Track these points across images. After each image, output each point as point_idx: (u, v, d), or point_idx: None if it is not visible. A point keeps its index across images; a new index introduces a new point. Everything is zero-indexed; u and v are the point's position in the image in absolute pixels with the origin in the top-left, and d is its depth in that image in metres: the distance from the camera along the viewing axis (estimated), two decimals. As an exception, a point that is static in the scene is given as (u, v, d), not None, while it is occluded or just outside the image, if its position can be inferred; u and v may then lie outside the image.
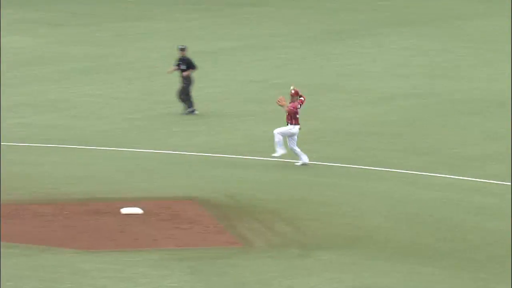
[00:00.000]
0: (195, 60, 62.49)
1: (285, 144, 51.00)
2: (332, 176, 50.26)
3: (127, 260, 39.59)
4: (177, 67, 61.99)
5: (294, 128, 50.94)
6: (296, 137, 51.28)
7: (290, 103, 50.87)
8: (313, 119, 60.20)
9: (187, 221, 43.76)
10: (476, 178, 50.04)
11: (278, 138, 51.30)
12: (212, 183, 48.48)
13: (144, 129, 59.02)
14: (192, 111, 61.00)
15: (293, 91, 50.32)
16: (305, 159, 51.10)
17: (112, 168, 51.02)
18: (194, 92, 63.79)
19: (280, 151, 51.37)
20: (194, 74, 62.27)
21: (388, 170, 51.00)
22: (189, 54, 62.71)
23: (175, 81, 64.41)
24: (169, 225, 43.43)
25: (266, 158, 52.55)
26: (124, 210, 44.31)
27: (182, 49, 62.18)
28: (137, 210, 44.37)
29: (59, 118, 60.48)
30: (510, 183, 48.62)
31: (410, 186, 48.85)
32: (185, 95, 61.22)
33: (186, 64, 61.61)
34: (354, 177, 49.92)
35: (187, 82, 61.37)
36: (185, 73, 61.37)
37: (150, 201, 45.85)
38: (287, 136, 50.62)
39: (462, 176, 50.00)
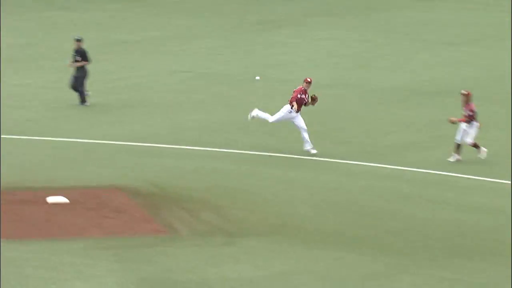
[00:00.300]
0: (123, 49, 62.49)
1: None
2: (255, 164, 50.45)
3: (53, 249, 39.50)
4: (73, 60, 61.35)
5: (292, 114, 51.27)
6: (298, 120, 51.48)
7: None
8: (238, 109, 60.41)
9: (114, 210, 43.65)
10: (396, 166, 50.43)
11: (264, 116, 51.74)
12: (138, 172, 48.54)
13: (69, 118, 58.92)
14: (83, 102, 60.39)
15: (309, 79, 51.39)
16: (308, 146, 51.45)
17: (38, 158, 50.84)
18: (121, 81, 64.08)
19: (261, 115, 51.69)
20: (116, 62, 62.25)
21: (311, 159, 51.25)
22: (114, 43, 62.60)
23: (99, 71, 64.64)
24: (95, 214, 43.26)
25: (191, 147, 52.57)
26: (50, 199, 44.09)
27: (78, 40, 61.50)
28: (63, 199, 44.23)
29: (-18, 107, 60.25)
30: (427, 170, 49.14)
31: (332, 175, 49.23)
32: (79, 86, 60.53)
33: (80, 56, 61.02)
34: (276, 166, 50.17)
35: (80, 73, 60.75)
36: (75, 64, 60.59)
37: (76, 190, 45.73)
38: (286, 120, 51.46)
39: (383, 164, 50.37)
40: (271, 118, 50.86)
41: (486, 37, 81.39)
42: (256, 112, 51.34)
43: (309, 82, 50.40)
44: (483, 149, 51.32)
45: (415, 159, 51.47)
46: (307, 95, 50.50)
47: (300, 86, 50.36)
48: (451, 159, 50.81)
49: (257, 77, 40.15)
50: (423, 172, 49.50)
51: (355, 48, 78.89)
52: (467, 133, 51.03)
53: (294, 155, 51.70)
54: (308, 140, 50.59)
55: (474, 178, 48.59)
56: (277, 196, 45.77)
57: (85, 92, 60.33)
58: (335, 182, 47.89)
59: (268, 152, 51.89)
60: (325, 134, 53.98)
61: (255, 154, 51.81)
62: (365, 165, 50.61)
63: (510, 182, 47.73)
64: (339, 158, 51.44)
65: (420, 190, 47.07)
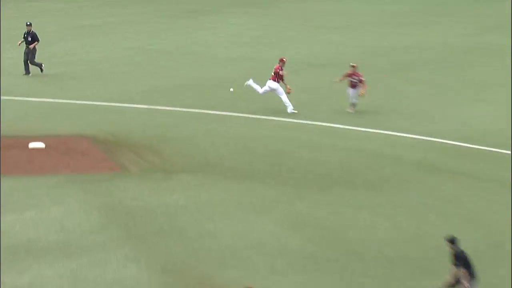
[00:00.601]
0: (85, 31, 62.28)
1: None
2: (190, 119, 50.39)
3: (34, 182, 39.90)
4: (24, 40, 60.44)
5: (273, 84, 50.59)
6: (279, 90, 50.72)
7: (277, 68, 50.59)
8: (177, 76, 60.51)
9: (80, 153, 43.84)
10: (296, 120, 50.10)
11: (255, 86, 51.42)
12: (98, 125, 48.21)
13: (46, 83, 58.56)
14: (28, 74, 59.16)
15: (285, 59, 50.56)
16: (290, 108, 50.74)
17: (20, 113, 50.62)
18: (84, 55, 64.35)
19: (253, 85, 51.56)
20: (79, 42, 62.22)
21: (231, 115, 51.17)
22: (78, 27, 62.41)
23: (66, 48, 64.79)
24: (65, 156, 43.43)
25: (137, 105, 52.45)
26: (31, 145, 44.32)
27: (29, 25, 60.35)
28: (41, 145, 44.45)
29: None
30: (320, 123, 49.19)
31: (248, 127, 49.11)
32: (31, 61, 59.38)
33: (31, 37, 60.21)
34: (207, 121, 49.93)
35: (32, 52, 60.03)
36: (31, 45, 59.72)
37: (51, 138, 45.58)
38: (271, 91, 50.23)
39: (292, 119, 50.08)
40: (260, 90, 50.23)
41: (366, 24, 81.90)
42: (250, 82, 50.38)
43: (284, 61, 49.65)
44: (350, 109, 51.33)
45: (312, 115, 50.79)
46: (283, 70, 49.17)
47: (277, 64, 49.70)
48: (350, 110, 50.66)
49: (231, 89, 37.22)
50: (318, 124, 49.24)
51: (261, 31, 79.00)
52: (355, 94, 51.06)
53: (219, 111, 51.35)
54: (290, 103, 49.88)
55: (356, 129, 48.33)
56: (204, 143, 45.70)
57: (40, 64, 59.34)
58: (250, 132, 47.74)
59: (201, 110, 51.56)
60: (242, 96, 53.62)
61: (191, 111, 51.47)
62: (276, 119, 50.13)
63: (378, 131, 47.62)
64: (254, 115, 50.82)
65: (313, 137, 46.97)
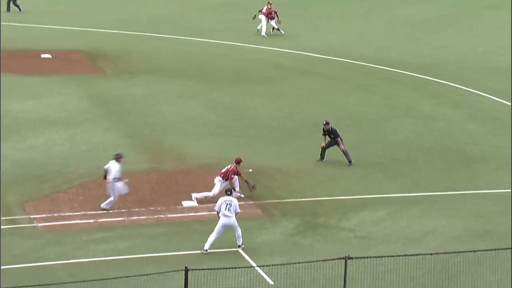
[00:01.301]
0: None
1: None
2: (147, 40, 47.66)
3: (45, 79, 39.07)
4: None
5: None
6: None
7: None
8: (139, 11, 56.46)
9: (75, 61, 43.05)
10: (217, 41, 47.93)
11: None
12: (86, 43, 46.14)
13: (48, 14, 53.52)
14: (8, 11, 49.98)
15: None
16: None
17: (31, 35, 47.71)
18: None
19: None
20: None
21: (177, 38, 48.63)
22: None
23: None
24: (65, 62, 42.68)
25: (113, 30, 49.80)
26: (42, 55, 43.45)
27: None
28: (49, 55, 43.75)
29: None
30: (234, 43, 47.53)
31: (186, 45, 46.66)
32: (14, 2, 50.48)
33: None
34: (159, 40, 47.34)
35: None
36: None
37: (56, 51, 44.41)
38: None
39: (214, 40, 47.84)
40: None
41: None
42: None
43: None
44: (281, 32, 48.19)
45: (231, 38, 48.19)
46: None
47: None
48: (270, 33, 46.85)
49: (250, 170, 27.64)
50: (231, 43, 47.28)
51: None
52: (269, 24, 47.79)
53: (171, 35, 49.20)
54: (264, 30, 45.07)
55: (254, 46, 46.20)
56: (157, 55, 44.32)
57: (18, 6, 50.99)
58: (186, 48, 45.79)
59: (157, 34, 49.01)
60: (182, 25, 52.67)
61: (149, 35, 49.03)
62: (206, 40, 47.69)
63: (267, 47, 46.17)
64: (189, 36, 48.45)
65: (226, 51, 45.39)
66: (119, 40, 47.41)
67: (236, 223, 21.91)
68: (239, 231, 21.97)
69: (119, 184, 24.36)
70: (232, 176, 25.21)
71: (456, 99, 37.06)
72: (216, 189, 25.15)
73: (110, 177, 24.35)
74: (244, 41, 47.56)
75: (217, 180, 25.35)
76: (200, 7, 58.18)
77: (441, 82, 39.63)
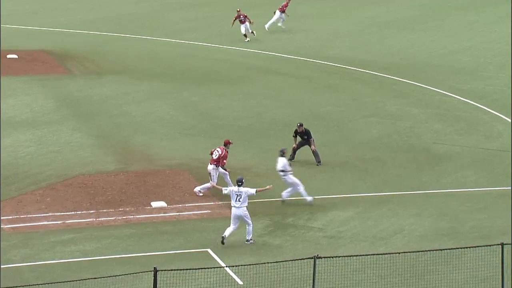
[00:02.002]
0: None
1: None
2: (114, 40, 48.03)
3: (11, 80, 38.92)
4: None
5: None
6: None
7: None
8: (103, 11, 57.25)
9: (41, 61, 43.10)
10: (188, 42, 49.58)
11: None
12: (53, 43, 46.66)
13: (18, 15, 54.60)
14: None
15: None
16: None
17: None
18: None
19: None
20: None
21: (145, 38, 49.03)
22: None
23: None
24: (31, 63, 42.61)
25: (80, 31, 50.25)
26: (8, 56, 43.51)
27: None
28: (15, 56, 43.63)
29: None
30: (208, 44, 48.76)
31: (154, 45, 47.02)
32: None
33: None
34: (125, 41, 47.67)
35: None
36: None
37: (21, 52, 44.63)
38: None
39: (183, 41, 49.25)
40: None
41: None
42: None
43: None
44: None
45: (203, 39, 48.81)
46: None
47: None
48: (248, 38, 46.22)
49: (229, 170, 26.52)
50: (201, 44, 47.45)
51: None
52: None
53: (137, 35, 49.50)
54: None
55: (222, 47, 46.69)
56: (124, 54, 44.68)
57: None
58: (154, 48, 46.21)
59: (124, 34, 49.51)
60: (150, 23, 52.37)
61: (116, 35, 49.48)
62: (175, 41, 48.22)
63: (236, 48, 46.52)
64: (157, 36, 49.12)
65: (195, 52, 45.67)
66: (86, 40, 47.57)
67: (247, 214, 22.09)
68: (250, 227, 22.15)
69: (290, 178, 24.65)
70: (224, 161, 25.28)
71: (422, 98, 37.29)
72: (214, 179, 25.17)
73: (278, 169, 24.71)
74: (212, 42, 47.73)
75: (211, 168, 25.36)
76: (168, 7, 58.46)
77: (408, 82, 39.88)
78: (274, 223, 23.96)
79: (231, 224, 22.20)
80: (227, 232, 22.04)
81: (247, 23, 46.71)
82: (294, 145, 28.67)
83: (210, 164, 25.62)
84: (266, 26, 49.06)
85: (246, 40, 46.23)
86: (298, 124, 28.86)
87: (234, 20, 47.12)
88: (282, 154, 25.36)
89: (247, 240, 22.32)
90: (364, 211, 24.93)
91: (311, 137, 28.59)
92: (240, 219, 22.15)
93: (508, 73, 41.12)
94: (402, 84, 39.56)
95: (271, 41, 48.00)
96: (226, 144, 25.90)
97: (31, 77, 39.51)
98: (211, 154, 25.73)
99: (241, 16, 46.65)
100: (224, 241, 22.04)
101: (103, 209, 24.60)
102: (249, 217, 22.24)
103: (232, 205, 22.25)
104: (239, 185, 22.34)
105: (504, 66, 42.79)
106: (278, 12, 49.54)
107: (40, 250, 21.85)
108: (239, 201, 22.07)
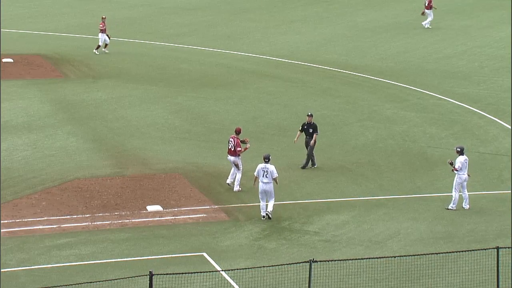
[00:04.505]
0: None
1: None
2: (109, 45, 49.38)
3: (7, 84, 38.81)
4: None
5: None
6: None
7: None
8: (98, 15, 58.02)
9: (37, 65, 43.01)
10: (178, 45, 49.23)
11: None
12: (48, 47, 46.46)
13: (13, 20, 54.81)
14: None
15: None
16: None
17: None
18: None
19: None
20: None
21: (138, 41, 49.14)
22: None
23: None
24: (27, 67, 42.59)
25: (75, 35, 50.46)
26: (4, 60, 43.39)
27: None
28: (10, 60, 43.65)
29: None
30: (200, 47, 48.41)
31: (146, 49, 46.98)
32: None
33: None
34: (118, 46, 47.54)
35: None
36: None
37: (16, 56, 44.50)
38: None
39: (175, 44, 49.36)
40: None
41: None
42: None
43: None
44: None
45: (193, 42, 48.84)
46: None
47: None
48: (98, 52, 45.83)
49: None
50: (192, 47, 47.42)
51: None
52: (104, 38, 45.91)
53: (130, 39, 49.37)
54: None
55: (214, 50, 46.75)
56: (118, 59, 44.41)
57: None
58: (147, 52, 46.10)
59: (118, 38, 48.70)
60: (147, 29, 52.27)
61: (112, 39, 49.12)
62: (168, 45, 48.31)
63: (230, 52, 46.59)
64: (148, 40, 48.98)
65: (188, 56, 45.63)
66: (81, 45, 47.45)
67: (272, 190, 23.40)
68: (273, 201, 23.41)
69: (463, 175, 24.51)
70: (239, 149, 25.80)
71: (417, 102, 37.34)
72: (240, 166, 25.79)
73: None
74: (207, 46, 47.76)
75: (233, 159, 25.95)
76: (162, 12, 58.45)
77: (403, 86, 39.94)
78: (269, 227, 23.93)
79: (261, 201, 23.45)
80: (263, 211, 23.29)
81: (105, 35, 44.13)
82: (295, 139, 28.15)
83: (230, 155, 26.09)
84: (424, 23, 50.70)
85: (97, 52, 44.00)
86: (309, 114, 28.43)
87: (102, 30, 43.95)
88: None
89: (267, 214, 23.39)
90: (360, 215, 24.92)
91: (317, 132, 28.20)
92: (267, 194, 23.33)
93: (503, 77, 41.34)
94: (397, 88, 39.64)
95: (266, 45, 48.12)
96: (238, 132, 26.31)
97: (27, 81, 39.50)
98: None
99: (105, 25, 44.01)
100: (270, 216, 23.31)
101: (98, 213, 24.56)
102: (273, 193, 23.48)
103: (260, 180, 23.44)
104: (266, 162, 23.48)
105: (498, 70, 43.02)
106: (427, 11, 50.67)
107: (36, 254, 21.80)
108: (266, 177, 23.30)
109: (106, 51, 44.43)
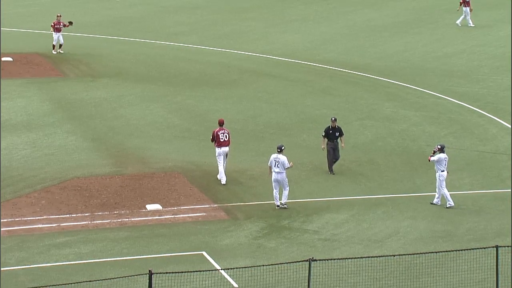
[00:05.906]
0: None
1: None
2: (108, 44, 48.09)
3: (6, 82, 38.76)
4: None
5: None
6: None
7: None
8: (96, 15, 57.70)
9: (36, 64, 42.93)
10: (176, 44, 49.38)
11: None
12: (46, 46, 45.95)
13: (13, 19, 54.48)
14: None
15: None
16: None
17: None
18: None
19: None
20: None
21: (138, 40, 48.98)
22: None
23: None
24: (26, 66, 42.57)
25: (74, 33, 49.77)
26: (3, 59, 43.19)
27: None
28: (9, 59, 43.54)
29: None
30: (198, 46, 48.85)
31: (147, 48, 47.02)
32: None
33: None
34: (118, 44, 47.75)
35: None
36: None
37: (16, 55, 44.39)
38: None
39: (174, 43, 48.98)
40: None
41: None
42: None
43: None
44: None
45: (191, 40, 48.76)
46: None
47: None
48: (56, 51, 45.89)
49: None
50: (191, 46, 47.39)
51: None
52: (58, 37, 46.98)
53: (130, 38, 49.44)
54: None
55: (213, 49, 46.82)
56: (118, 58, 44.19)
57: None
58: (148, 51, 46.14)
59: (118, 37, 49.46)
60: (146, 28, 52.37)
61: (110, 38, 49.50)
62: (168, 43, 48.35)
63: (229, 50, 46.60)
64: (149, 39, 48.86)
65: (187, 55, 45.55)
66: (80, 43, 47.38)
67: (285, 179, 24.16)
68: (287, 191, 24.16)
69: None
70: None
71: (416, 101, 37.34)
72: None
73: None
74: (206, 44, 47.71)
75: (227, 150, 26.46)
76: (161, 11, 58.33)
77: (402, 85, 39.94)
78: (269, 226, 23.94)
79: (274, 189, 24.22)
80: (277, 201, 24.00)
81: (60, 34, 43.06)
82: (322, 146, 27.50)
83: (225, 146, 26.48)
84: (458, 22, 51.12)
85: (54, 52, 43.17)
86: (333, 118, 27.73)
87: (54, 27, 43.01)
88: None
89: (281, 203, 24.14)
90: (359, 214, 24.92)
91: (343, 134, 27.76)
92: (280, 183, 24.08)
93: (502, 75, 41.34)
94: (397, 87, 39.65)
95: (266, 43, 48.13)
96: (222, 123, 26.78)
97: (26, 80, 39.44)
98: (216, 139, 26.30)
99: (60, 24, 43.02)
100: (283, 206, 24.05)
101: (98, 212, 24.53)
102: (287, 182, 24.17)
103: (273, 170, 24.21)
104: (278, 152, 24.27)
105: (498, 68, 43.03)
106: (463, 8, 50.65)
107: (35, 253, 21.78)
108: (277, 167, 24.05)
109: (61, 52, 43.74)
